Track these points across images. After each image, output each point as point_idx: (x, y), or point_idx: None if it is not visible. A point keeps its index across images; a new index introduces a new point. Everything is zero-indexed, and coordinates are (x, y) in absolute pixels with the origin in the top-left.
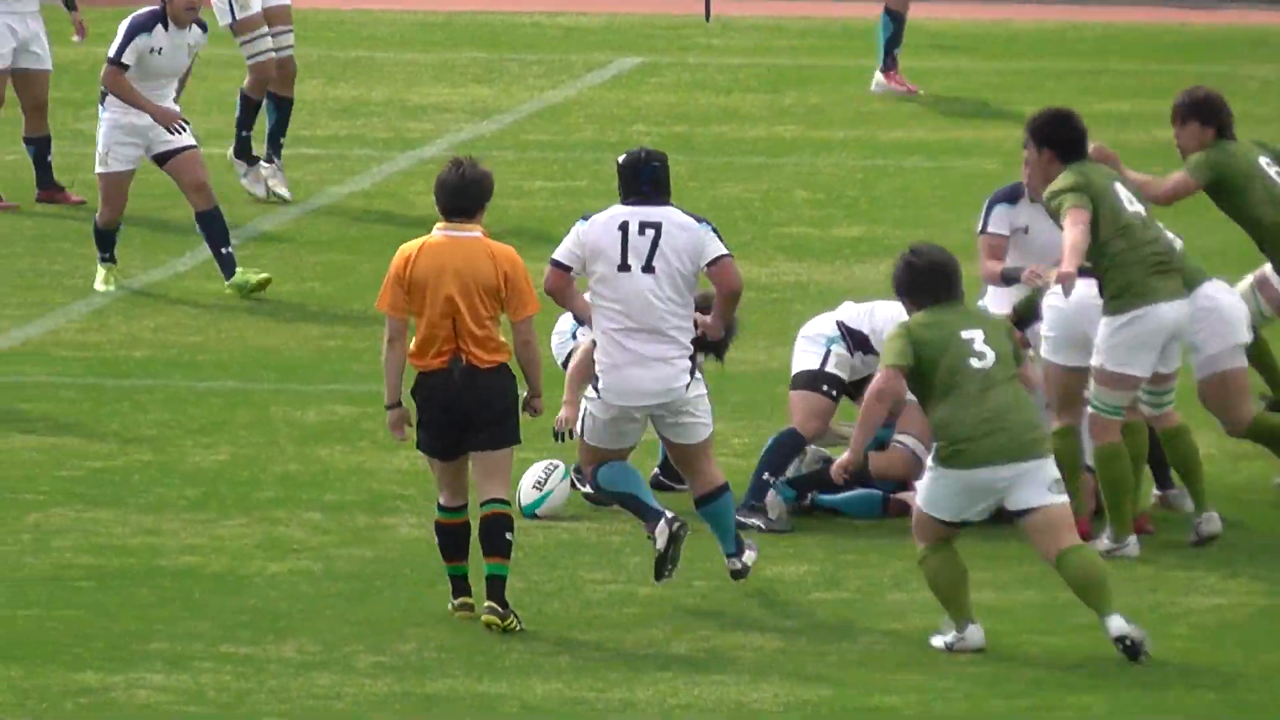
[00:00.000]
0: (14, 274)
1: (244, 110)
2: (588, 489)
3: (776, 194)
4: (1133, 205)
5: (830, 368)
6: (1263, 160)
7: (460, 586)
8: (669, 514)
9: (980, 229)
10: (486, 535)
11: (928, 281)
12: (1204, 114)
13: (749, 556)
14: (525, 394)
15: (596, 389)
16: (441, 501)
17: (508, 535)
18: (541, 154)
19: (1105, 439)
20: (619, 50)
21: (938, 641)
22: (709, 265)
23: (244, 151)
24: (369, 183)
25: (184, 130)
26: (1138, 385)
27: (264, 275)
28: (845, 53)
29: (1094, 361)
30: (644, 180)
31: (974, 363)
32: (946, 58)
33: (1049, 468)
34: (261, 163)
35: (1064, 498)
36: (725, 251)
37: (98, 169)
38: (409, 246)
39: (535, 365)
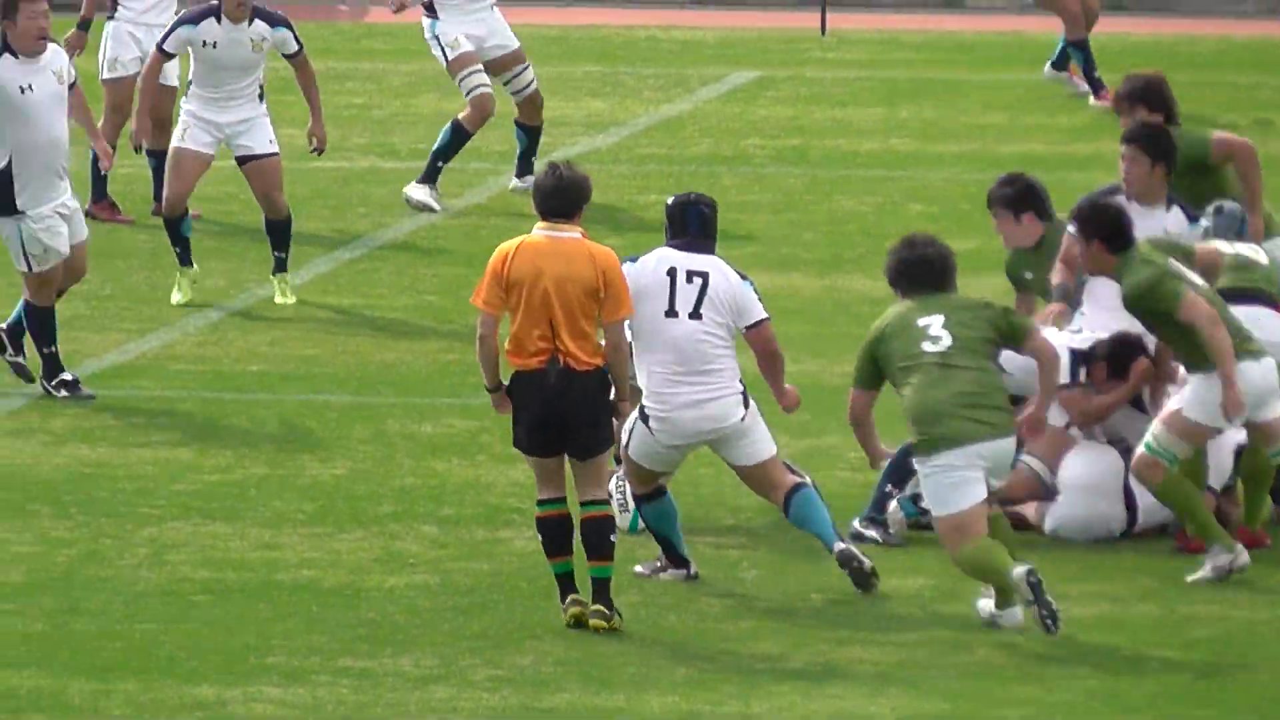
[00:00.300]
0: (129, 288)
1: (452, 139)
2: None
3: (891, 207)
4: (1198, 278)
5: None
6: None
7: (567, 585)
8: (693, 568)
9: (1066, 228)
10: (588, 538)
11: (915, 273)
12: (1152, 100)
13: (851, 546)
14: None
15: (648, 425)
16: (540, 496)
17: (611, 537)
18: (657, 167)
19: (1157, 478)
20: (734, 64)
21: (984, 609)
22: (748, 328)
23: (431, 177)
24: (485, 196)
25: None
26: (1207, 440)
27: (291, 301)
28: (960, 66)
29: (1173, 406)
30: (692, 223)
31: (926, 346)
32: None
33: (1013, 448)
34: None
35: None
36: (765, 315)
37: (174, 143)
38: (508, 245)
39: (624, 369)
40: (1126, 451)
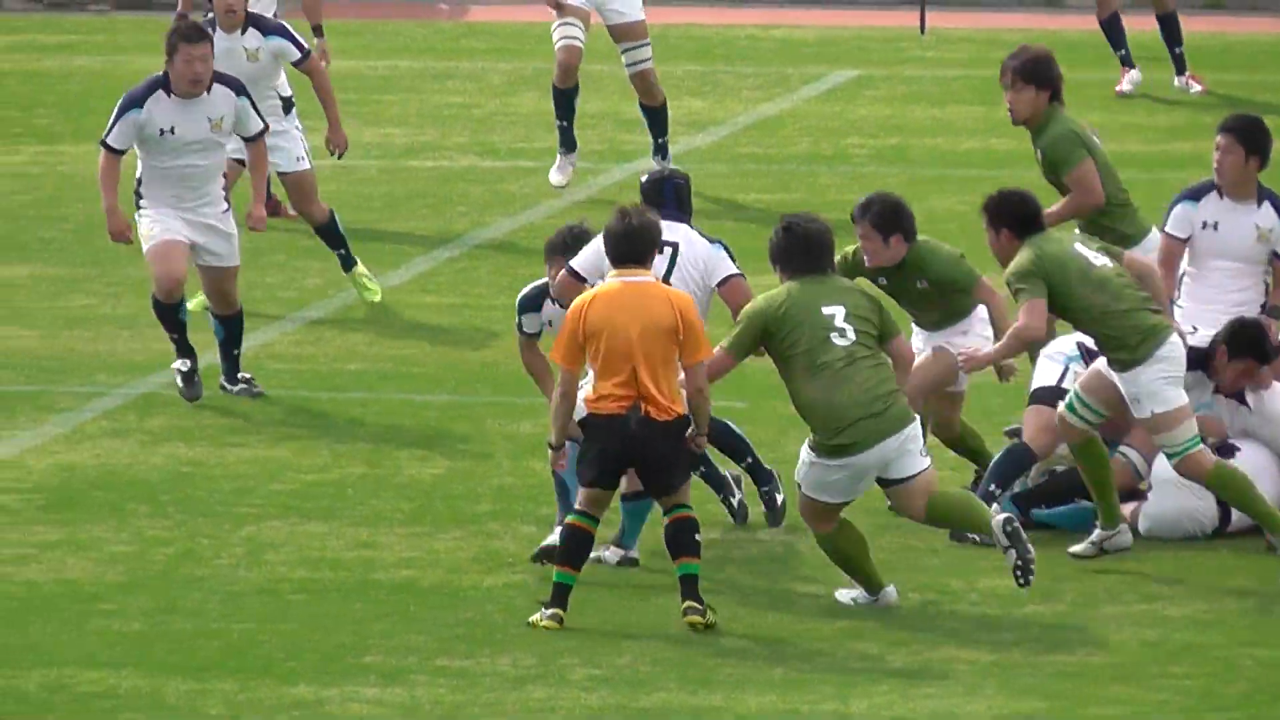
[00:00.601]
0: None
1: (555, 101)
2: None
3: None
4: (1099, 259)
5: (1067, 384)
6: (1085, 127)
7: (560, 596)
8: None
9: (1161, 227)
10: (675, 537)
11: (799, 252)
12: (1040, 77)
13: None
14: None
15: None
16: (580, 506)
17: (696, 536)
18: (755, 166)
19: (1204, 471)
20: (834, 63)
21: (844, 597)
22: (719, 285)
23: (566, 141)
24: (584, 195)
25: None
26: (1192, 413)
27: (378, 297)
28: (1060, 65)
29: (1141, 415)
30: (667, 195)
31: (836, 339)
32: (1161, 70)
33: (916, 430)
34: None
35: (930, 458)
36: (736, 271)
37: (300, 166)
38: (583, 297)
39: (705, 410)
40: (1222, 448)
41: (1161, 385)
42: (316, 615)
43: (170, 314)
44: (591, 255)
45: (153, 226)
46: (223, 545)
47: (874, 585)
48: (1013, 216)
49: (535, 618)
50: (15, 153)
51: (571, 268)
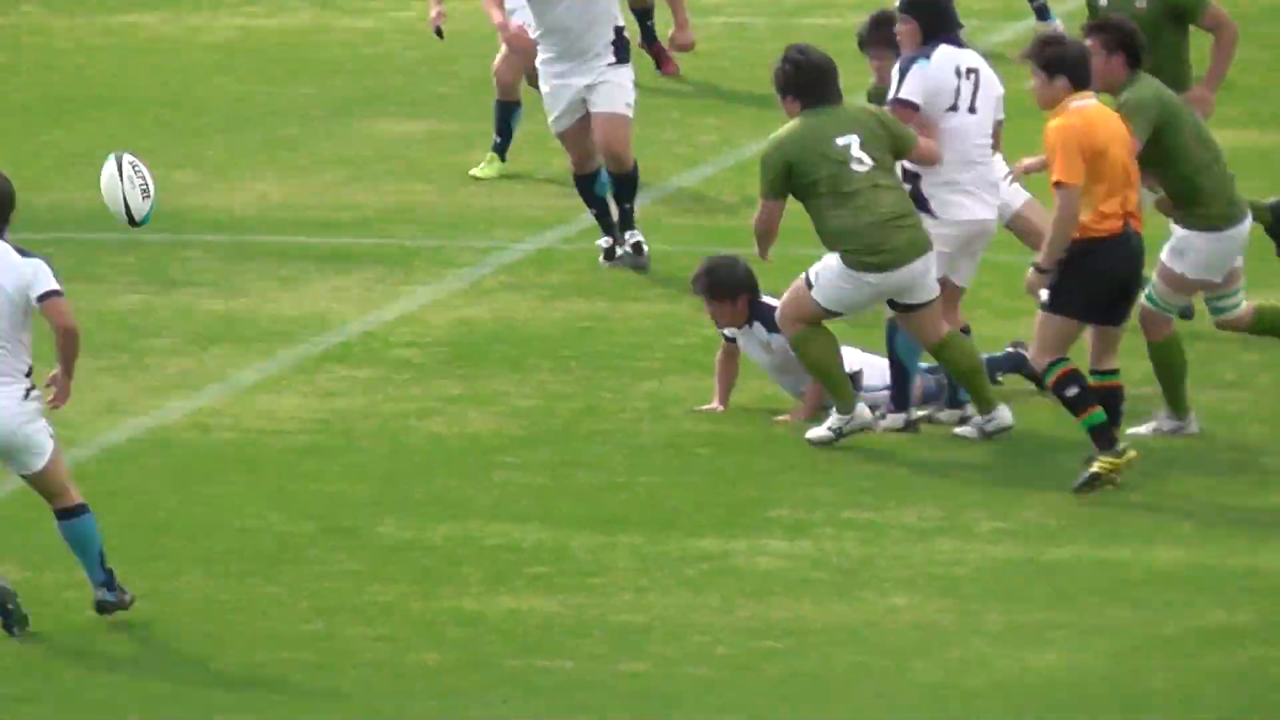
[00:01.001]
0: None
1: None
2: None
3: None
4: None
5: None
6: None
7: (1108, 437)
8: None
9: None
10: (1108, 403)
11: (810, 81)
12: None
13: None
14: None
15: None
16: (1059, 355)
17: (1122, 406)
18: None
19: (1164, 334)
20: None
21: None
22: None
23: None
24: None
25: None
26: (1193, 291)
27: (485, 174)
28: None
29: (1175, 267)
30: (954, 15)
31: (855, 168)
32: None
33: (933, 261)
34: None
35: (939, 289)
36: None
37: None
38: (1071, 117)
39: None
40: None
41: (1210, 256)
42: (722, 469)
43: (586, 186)
44: (918, 84)
45: (551, 100)
46: (625, 399)
47: (846, 399)
48: (1128, 45)
49: (1102, 466)
50: (406, 8)
51: (906, 100)
